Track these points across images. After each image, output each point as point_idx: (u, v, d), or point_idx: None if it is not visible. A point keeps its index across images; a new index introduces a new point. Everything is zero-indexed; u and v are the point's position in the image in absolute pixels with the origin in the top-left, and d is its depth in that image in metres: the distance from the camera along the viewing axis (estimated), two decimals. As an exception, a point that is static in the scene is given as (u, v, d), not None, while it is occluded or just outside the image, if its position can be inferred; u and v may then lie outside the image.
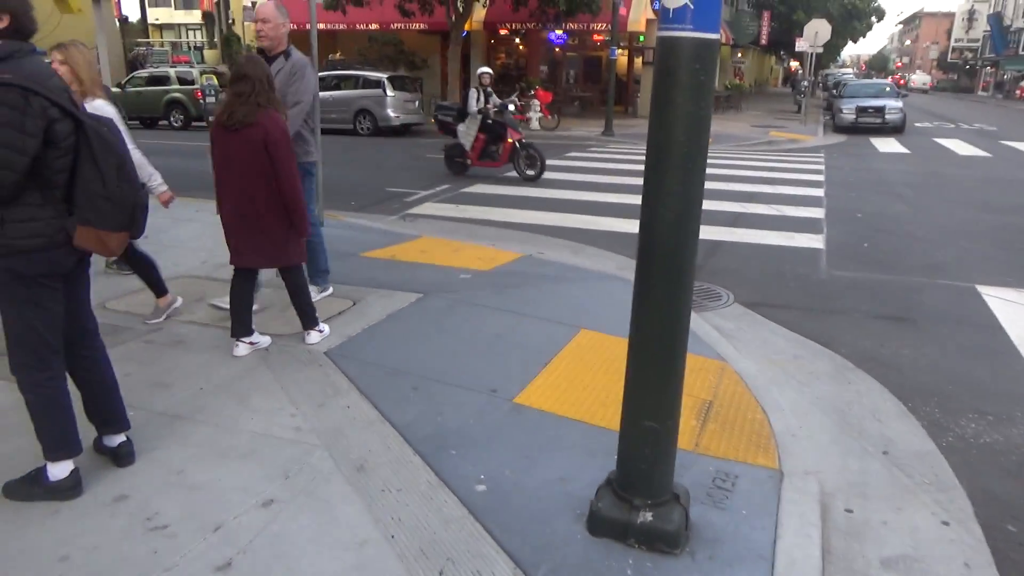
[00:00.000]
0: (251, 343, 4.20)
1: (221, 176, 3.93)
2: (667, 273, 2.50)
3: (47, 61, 3.10)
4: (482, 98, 11.00)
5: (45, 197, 2.50)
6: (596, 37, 24.54)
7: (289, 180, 3.85)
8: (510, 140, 11.00)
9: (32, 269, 2.52)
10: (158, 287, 4.67)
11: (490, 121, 11.03)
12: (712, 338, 4.73)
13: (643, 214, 2.53)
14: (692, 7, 2.41)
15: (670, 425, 2.63)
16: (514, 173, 11.62)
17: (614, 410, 3.68)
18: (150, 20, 69.28)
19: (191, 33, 71.12)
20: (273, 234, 3.95)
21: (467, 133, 11.18)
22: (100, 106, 4.16)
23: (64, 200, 2.55)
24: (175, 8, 71.51)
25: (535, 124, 19.77)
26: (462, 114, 11.31)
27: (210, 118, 21.60)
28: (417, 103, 19.59)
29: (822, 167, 13.62)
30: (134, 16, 66.69)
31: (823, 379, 4.30)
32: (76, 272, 2.71)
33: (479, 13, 22.71)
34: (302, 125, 4.56)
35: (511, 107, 11.31)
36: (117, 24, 30.25)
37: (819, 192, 10.73)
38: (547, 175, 11.85)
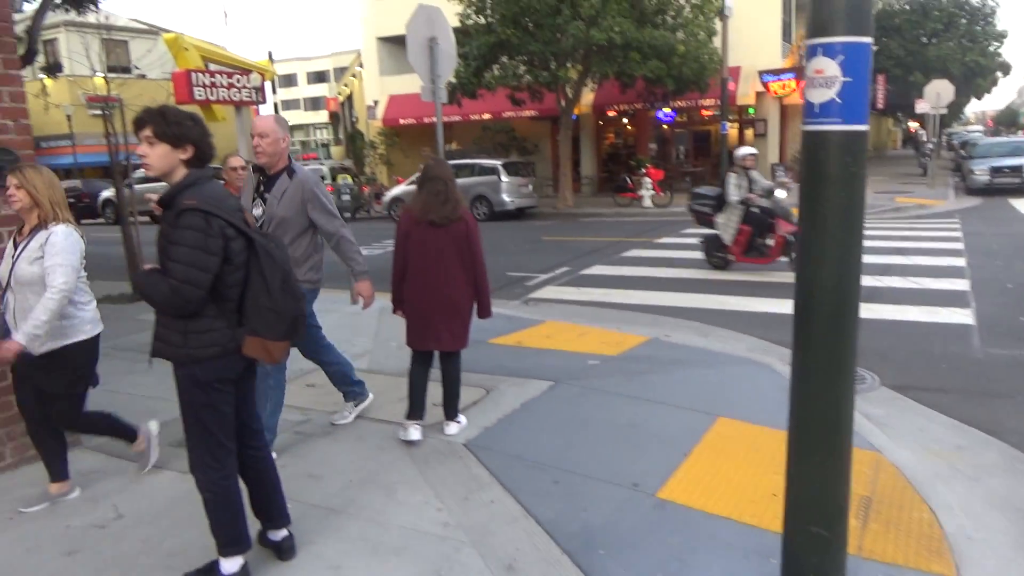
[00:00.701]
0: (419, 425, 4.37)
1: (422, 266, 4.23)
2: (828, 361, 2.40)
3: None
4: (744, 183, 9.42)
5: (220, 309, 2.72)
6: (704, 112, 24.59)
7: (483, 266, 4.32)
8: (782, 233, 9.17)
9: (209, 375, 2.72)
10: (126, 433, 3.95)
11: (755, 210, 9.42)
12: (862, 426, 4.44)
13: (799, 304, 2.46)
14: (840, 101, 2.40)
15: (839, 531, 2.47)
16: (635, 251, 11.59)
17: (764, 506, 3.50)
18: (283, 122, 75.62)
19: (318, 132, 76.80)
20: (465, 317, 4.34)
21: (727, 225, 9.61)
22: (60, 231, 3.42)
23: (235, 311, 2.76)
24: (304, 110, 77.75)
25: (647, 202, 19.81)
26: (720, 202, 9.71)
27: (372, 209, 22.10)
28: (530, 187, 20.11)
29: (959, 233, 12.81)
30: (269, 120, 72.89)
31: (994, 472, 3.92)
32: (244, 377, 2.89)
33: (587, 97, 23.34)
34: (311, 244, 4.08)
35: (782, 193, 9.34)
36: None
37: (960, 261, 10.04)
38: (666, 253, 11.76)
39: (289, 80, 76.92)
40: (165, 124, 2.72)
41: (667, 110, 23.54)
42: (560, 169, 21.62)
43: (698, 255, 11.51)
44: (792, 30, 25.36)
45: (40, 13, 9.29)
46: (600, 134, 26.75)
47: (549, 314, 7.82)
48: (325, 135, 72.66)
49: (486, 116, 24.91)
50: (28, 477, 3.98)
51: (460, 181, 19.34)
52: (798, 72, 22.76)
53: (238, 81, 32.99)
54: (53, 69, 11.92)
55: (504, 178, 19.18)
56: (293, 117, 76.38)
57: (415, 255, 4.25)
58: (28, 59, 8.92)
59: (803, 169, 2.48)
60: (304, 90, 77.18)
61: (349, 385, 4.68)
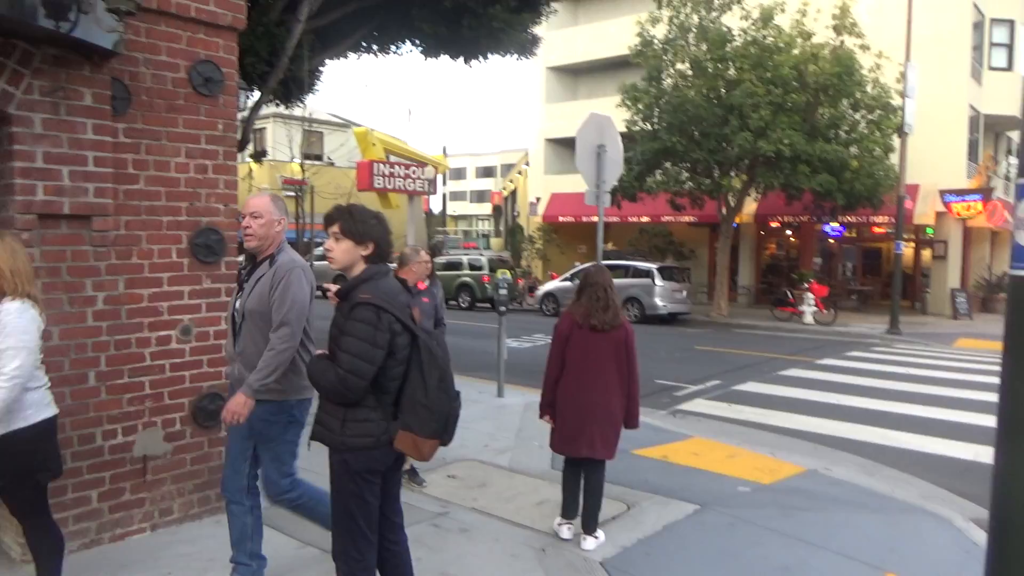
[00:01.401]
0: (596, 538, 4.34)
1: (579, 371, 4.29)
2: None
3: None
4: None
5: (378, 401, 2.78)
6: (876, 228, 23.32)
7: (637, 376, 4.34)
8: None
9: (360, 465, 2.77)
10: None
11: None
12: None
13: (998, 483, 2.15)
14: (1056, 244, 2.15)
15: None
16: (794, 370, 10.94)
17: None
18: (449, 212, 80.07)
19: (480, 223, 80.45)
20: (617, 426, 4.34)
21: None
22: (13, 309, 2.93)
23: (392, 404, 2.81)
24: (470, 201, 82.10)
25: (809, 318, 18.80)
26: None
27: (525, 302, 22.81)
28: (684, 292, 19.75)
29: None
30: (437, 209, 77.57)
31: None
32: (392, 470, 2.92)
33: (750, 206, 22.89)
34: (297, 350, 3.38)
35: None
36: (424, 216, 35.33)
37: None
38: (828, 375, 11.01)
39: (459, 173, 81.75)
40: (352, 222, 2.89)
41: (835, 224, 22.55)
42: (716, 277, 21.13)
43: (865, 381, 10.64)
44: (979, 149, 23.78)
45: (256, 108, 10.50)
46: (761, 244, 26.01)
47: (697, 429, 7.48)
48: (487, 226, 75.88)
49: (644, 219, 25.02)
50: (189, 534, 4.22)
51: (617, 282, 19.35)
52: (985, 194, 21.16)
53: (414, 173, 35.62)
54: (259, 156, 13.45)
55: (659, 282, 18.99)
56: (459, 208, 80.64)
57: (573, 359, 4.30)
58: (241, 147, 10.06)
59: (1008, 316, 2.22)
60: (471, 183, 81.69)
61: (241, 549, 3.56)
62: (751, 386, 10.16)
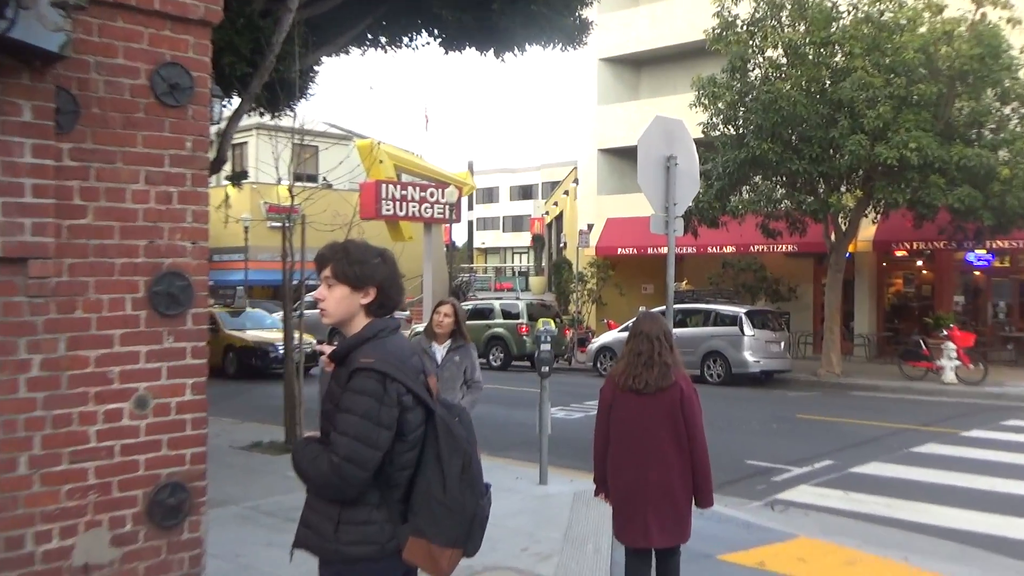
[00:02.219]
0: None
1: (626, 443, 4.45)
2: None
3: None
4: None
5: (383, 497, 2.72)
6: (1037, 257, 22.89)
7: (703, 443, 4.40)
8: None
9: None
10: None
11: None
12: None
13: None
14: None
15: None
16: (932, 445, 10.67)
17: None
18: (476, 243, 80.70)
19: (517, 257, 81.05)
20: (679, 507, 4.42)
21: None
22: None
23: (401, 501, 2.75)
24: (503, 230, 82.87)
25: (949, 375, 18.37)
26: None
27: (575, 358, 22.87)
28: (783, 344, 19.52)
29: None
30: (461, 240, 78.07)
31: None
32: None
33: (867, 230, 22.66)
34: None
35: None
36: (445, 250, 35.73)
37: None
38: (980, 452, 10.73)
39: (490, 195, 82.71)
40: (348, 262, 2.83)
41: (981, 252, 22.15)
42: (825, 323, 20.87)
43: (1029, 461, 10.35)
44: None
45: (235, 119, 10.77)
46: (883, 279, 25.67)
47: (803, 526, 7.36)
48: (525, 261, 76.38)
49: (729, 249, 24.96)
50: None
51: (690, 332, 19.24)
52: None
53: (431, 195, 36.23)
54: (238, 178, 13.66)
55: (748, 331, 18.81)
56: (490, 238, 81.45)
57: (619, 429, 4.46)
58: (215, 168, 10.32)
59: None
60: (505, 207, 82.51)
61: None
62: (874, 468, 9.96)
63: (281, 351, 15.76)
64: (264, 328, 20.93)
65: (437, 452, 2.74)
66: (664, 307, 8.15)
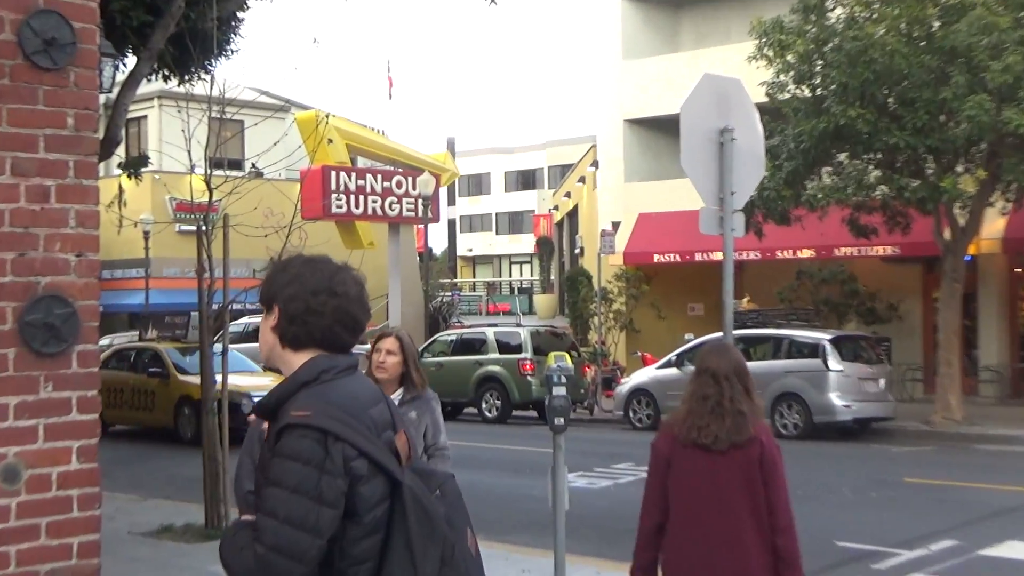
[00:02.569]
0: None
1: (690, 516, 4.42)
2: None
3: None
4: None
5: None
6: None
7: (790, 518, 4.42)
8: None
9: None
10: None
11: None
12: None
13: None
14: None
15: None
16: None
17: None
18: (461, 251, 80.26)
19: (516, 268, 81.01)
20: None
21: None
22: None
23: None
24: (496, 232, 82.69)
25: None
26: None
27: (599, 405, 22.81)
28: (882, 382, 19.45)
29: None
30: (441, 245, 77.70)
31: None
32: None
33: (993, 224, 22.68)
34: None
35: None
36: (418, 260, 35.70)
37: None
38: None
39: (478, 184, 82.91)
40: (266, 281, 2.90)
41: None
42: (940, 352, 20.83)
43: None
44: None
45: (131, 85, 10.79)
46: (1016, 291, 25.65)
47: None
48: (527, 274, 76.42)
49: (805, 253, 24.98)
50: None
51: (755, 367, 19.15)
52: None
53: (399, 186, 36.38)
54: (137, 165, 13.56)
55: (834, 364, 18.76)
56: (479, 243, 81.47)
57: (681, 497, 4.44)
58: (106, 152, 10.34)
59: None
60: (500, 200, 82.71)
61: None
62: (1013, 548, 9.93)
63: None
64: (232, 371, 20.45)
65: (407, 539, 2.66)
66: (719, 334, 8.15)
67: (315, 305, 2.81)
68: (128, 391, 19.75)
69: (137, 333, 24.91)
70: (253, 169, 18.77)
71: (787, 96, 20.14)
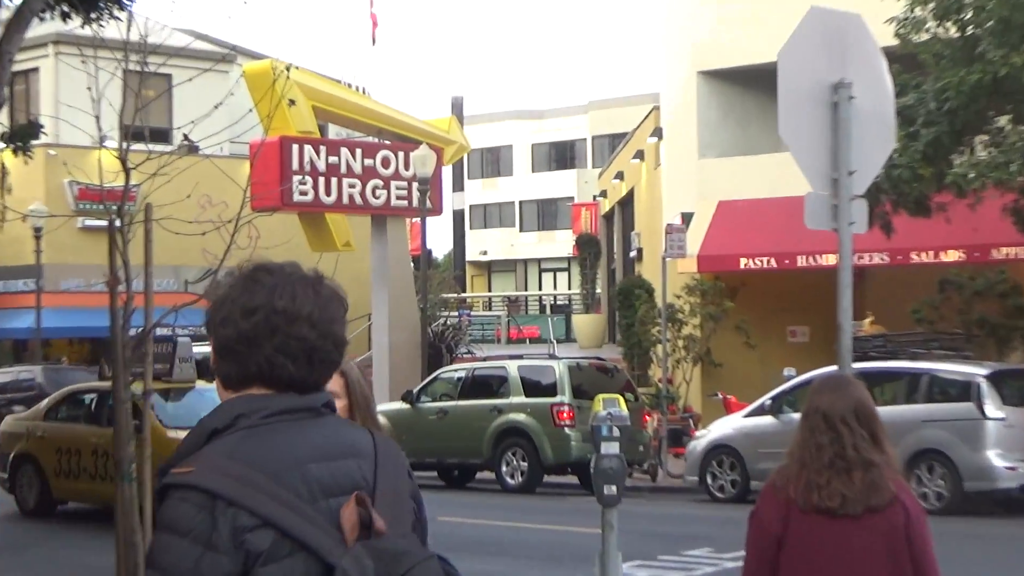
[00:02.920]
0: None
1: None
2: None
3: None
4: None
5: None
6: None
7: None
8: None
9: None
10: None
11: None
12: None
13: None
14: None
15: None
16: None
17: None
18: (472, 255, 79.75)
19: (549, 279, 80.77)
20: None
21: None
22: None
23: None
24: (520, 229, 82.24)
25: None
26: None
27: (664, 467, 22.85)
28: (1063, 432, 19.36)
29: None
30: (444, 247, 77.29)
31: None
32: None
33: None
34: None
35: None
36: (412, 267, 35.67)
37: None
38: None
39: (495, 162, 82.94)
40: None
41: None
42: None
43: None
44: None
45: (16, 26, 10.85)
46: None
47: None
48: (564, 287, 76.13)
49: (951, 255, 24.94)
50: None
51: (885, 411, 19.15)
52: None
53: (386, 164, 36.50)
54: (25, 136, 13.55)
55: (993, 410, 18.64)
56: (496, 244, 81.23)
57: None
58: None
59: None
60: (523, 184, 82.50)
61: None
62: None
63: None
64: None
65: None
66: (832, 367, 8.15)
67: (247, 330, 2.88)
68: (87, 453, 18.90)
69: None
70: (185, 142, 18.92)
71: (926, 38, 20.12)
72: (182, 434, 14.42)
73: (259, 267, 2.97)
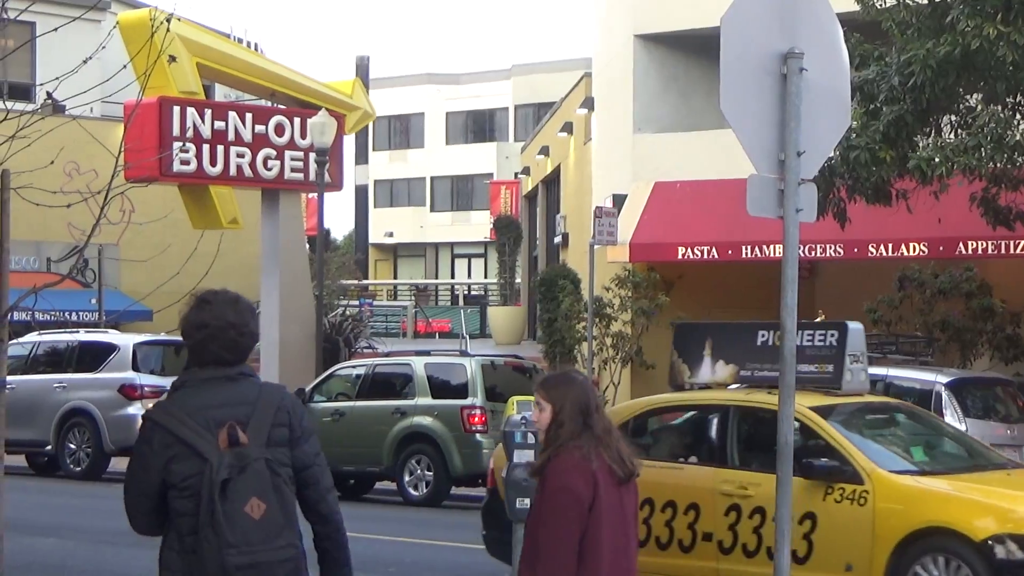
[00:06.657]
0: None
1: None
2: None
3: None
4: None
5: (181, 542, 5.18)
6: None
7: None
8: None
9: None
10: None
11: None
12: None
13: None
14: None
15: None
16: None
17: None
18: (376, 237, 79.67)
19: (462, 265, 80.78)
20: None
21: None
22: None
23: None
24: (431, 209, 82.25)
25: None
26: None
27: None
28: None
29: None
30: (344, 227, 76.69)
31: None
32: None
33: None
34: None
35: None
36: (307, 249, 35.56)
37: None
38: None
39: (405, 131, 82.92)
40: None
41: None
42: None
43: None
44: None
45: None
46: None
47: None
48: (480, 275, 76.01)
49: (913, 249, 25.25)
50: None
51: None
52: None
53: (280, 131, 36.58)
54: None
55: (954, 423, 18.85)
56: (403, 226, 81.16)
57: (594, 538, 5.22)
58: None
59: None
60: (436, 157, 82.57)
61: None
62: None
63: None
64: None
65: (208, 500, 4.99)
66: (780, 373, 8.24)
67: (200, 338, 5.42)
68: None
69: None
70: (49, 101, 18.81)
71: (891, 4, 20.37)
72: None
73: (202, 298, 5.36)
